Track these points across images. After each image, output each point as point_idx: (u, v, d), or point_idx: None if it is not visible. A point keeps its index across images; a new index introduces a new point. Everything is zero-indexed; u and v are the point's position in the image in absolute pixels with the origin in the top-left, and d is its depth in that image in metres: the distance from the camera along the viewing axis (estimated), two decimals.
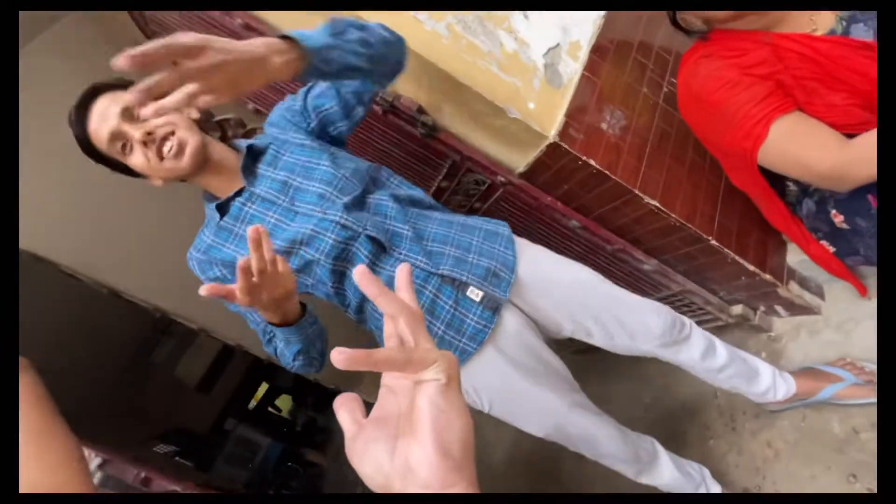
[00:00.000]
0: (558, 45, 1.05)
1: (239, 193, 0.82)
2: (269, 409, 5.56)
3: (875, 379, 0.95)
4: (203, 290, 0.55)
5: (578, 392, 0.90)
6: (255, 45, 0.57)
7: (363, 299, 0.82)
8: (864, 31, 0.81)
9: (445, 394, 0.29)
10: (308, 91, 0.88)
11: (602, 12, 1.12)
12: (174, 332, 3.81)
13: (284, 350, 0.82)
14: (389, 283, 0.77)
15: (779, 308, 1.16)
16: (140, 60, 0.45)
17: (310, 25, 0.69)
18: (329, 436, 4.77)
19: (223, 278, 0.83)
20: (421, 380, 0.30)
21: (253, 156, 0.84)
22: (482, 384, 0.83)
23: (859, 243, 0.91)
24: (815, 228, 1.01)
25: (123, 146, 0.74)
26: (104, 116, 0.73)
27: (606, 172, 0.98)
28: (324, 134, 0.90)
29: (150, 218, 1.88)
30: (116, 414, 3.05)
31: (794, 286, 1.10)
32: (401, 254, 0.80)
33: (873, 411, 0.93)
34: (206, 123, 1.51)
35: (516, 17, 1.03)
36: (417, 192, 0.91)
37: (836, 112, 0.80)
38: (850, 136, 0.81)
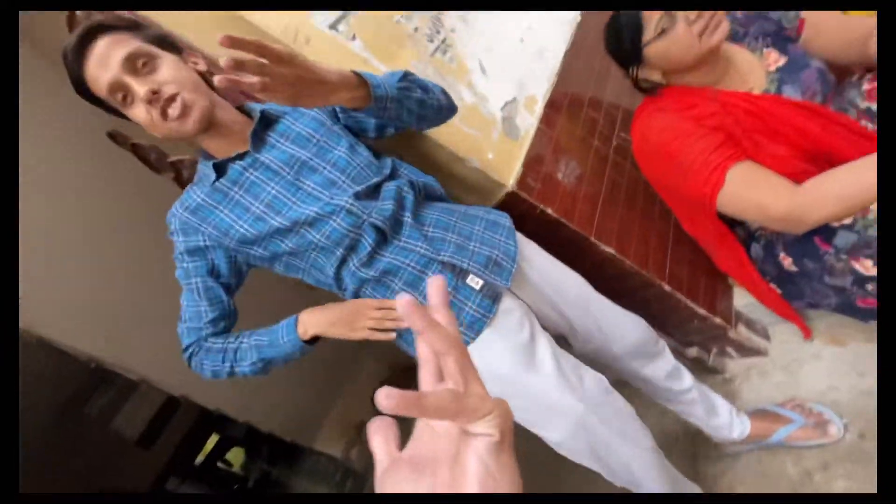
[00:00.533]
0: (515, 99, 1.10)
1: (241, 157, 0.80)
2: (219, 463, 5.11)
3: (822, 420, 0.98)
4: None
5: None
6: (331, 72, 0.63)
7: (361, 286, 0.80)
8: (793, 91, 0.90)
9: (497, 454, 0.26)
10: (353, 113, 0.85)
11: (555, 69, 1.19)
12: (111, 383, 3.50)
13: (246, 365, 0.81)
14: (389, 271, 0.79)
15: (730, 350, 1.20)
16: (238, 42, 0.51)
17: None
18: (285, 491, 4.42)
19: (204, 249, 0.79)
20: (471, 432, 0.26)
21: (265, 123, 0.82)
22: (482, 372, 0.78)
23: (806, 286, 0.96)
24: (762, 272, 1.07)
25: (124, 97, 0.71)
26: (104, 63, 0.69)
27: (563, 220, 1.00)
28: (348, 127, 0.89)
29: (83, 259, 1.75)
30: (43, 473, 2.71)
31: (742, 329, 1.15)
32: (401, 240, 0.79)
33: (824, 453, 0.96)
34: (160, 163, 1.45)
35: (476, 72, 1.07)
36: (430, 180, 0.91)
37: (780, 162, 0.87)
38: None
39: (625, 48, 0.92)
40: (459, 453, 0.26)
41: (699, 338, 1.20)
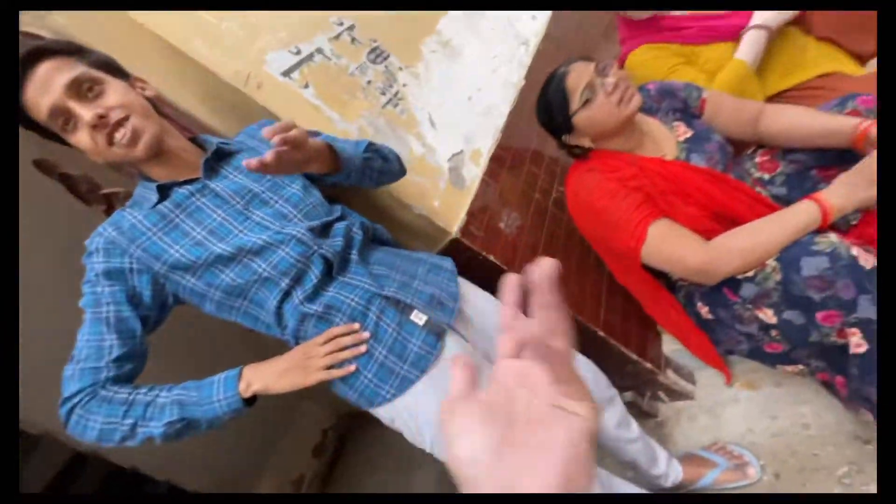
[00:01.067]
0: (462, 151, 1.16)
1: (189, 182, 0.77)
2: None
3: (742, 461, 1.04)
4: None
5: None
6: (319, 145, 0.71)
7: (302, 321, 0.77)
8: (699, 159, 1.03)
9: (587, 441, 0.25)
10: None
11: (500, 126, 1.28)
12: None
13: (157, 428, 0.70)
14: (332, 305, 0.78)
15: (661, 394, 1.26)
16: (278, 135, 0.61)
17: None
18: None
19: (126, 273, 0.72)
20: (567, 409, 0.26)
21: (218, 156, 0.81)
22: (425, 417, 0.76)
23: (722, 333, 1.05)
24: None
25: (66, 122, 0.68)
26: (46, 87, 0.66)
27: (504, 268, 1.05)
28: None
29: None
30: None
31: (671, 373, 1.22)
32: (346, 276, 0.80)
33: (748, 492, 1.01)
34: (91, 195, 1.38)
35: (425, 124, 1.13)
36: (380, 228, 0.94)
37: (691, 221, 0.97)
38: None
39: (556, 119, 1.03)
40: (547, 423, 0.26)
41: (632, 382, 1.25)
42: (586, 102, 0.98)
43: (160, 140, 0.74)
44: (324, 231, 0.82)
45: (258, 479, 3.34)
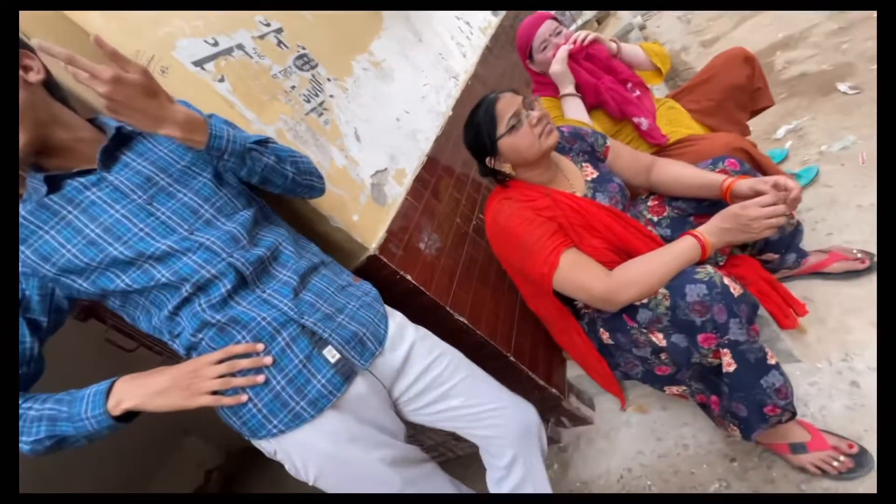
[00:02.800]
0: (386, 169, 1.15)
1: (83, 173, 0.69)
2: None
3: None
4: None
5: (418, 464, 0.83)
6: (177, 108, 0.66)
7: (199, 330, 0.71)
8: (603, 198, 1.13)
9: None
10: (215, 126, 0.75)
11: (426, 150, 1.30)
12: None
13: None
14: (239, 320, 0.70)
15: (564, 420, 1.31)
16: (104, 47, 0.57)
17: None
18: None
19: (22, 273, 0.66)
20: None
21: (119, 140, 0.73)
22: (312, 454, 0.72)
23: (620, 357, 1.13)
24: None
25: None
26: None
27: (422, 288, 1.03)
28: None
29: None
30: None
31: (573, 399, 1.28)
32: (265, 292, 0.73)
33: None
34: None
35: (349, 137, 1.11)
36: (314, 247, 0.87)
37: (596, 252, 1.05)
38: None
39: (482, 141, 1.07)
40: None
41: (538, 407, 1.28)
42: (512, 129, 1.04)
43: (39, 140, 0.66)
44: (247, 235, 0.75)
45: None
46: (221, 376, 0.68)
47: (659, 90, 2.07)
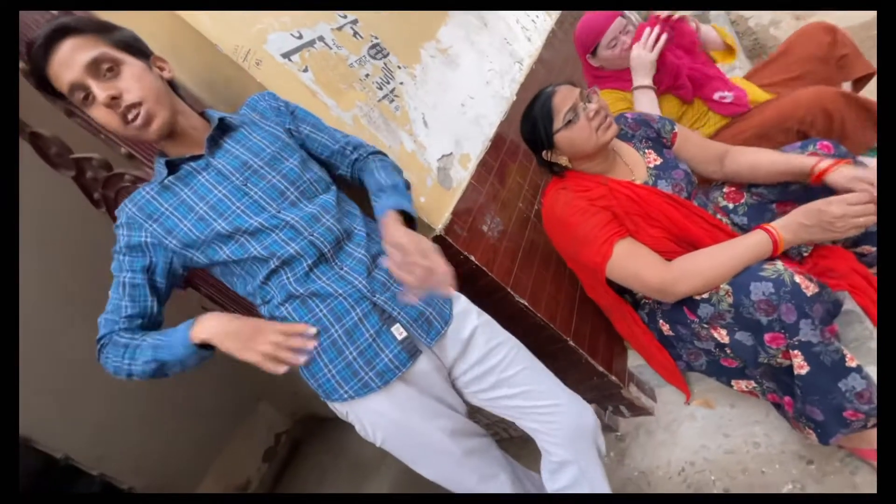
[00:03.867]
0: (451, 153, 1.18)
1: (194, 158, 0.82)
2: None
3: None
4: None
5: (476, 437, 0.89)
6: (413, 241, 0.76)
7: (285, 300, 0.80)
8: (666, 185, 1.09)
9: None
10: (302, 123, 0.91)
11: (490, 135, 1.32)
12: None
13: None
14: (319, 294, 0.80)
15: (623, 408, 1.30)
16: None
17: None
18: None
19: (144, 246, 0.79)
20: None
21: (222, 129, 0.85)
22: (378, 420, 0.81)
23: (682, 349, 1.10)
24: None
25: (85, 97, 0.73)
26: (68, 64, 0.71)
27: (484, 269, 1.06)
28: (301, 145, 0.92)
29: None
30: None
31: (633, 388, 1.25)
32: (342, 269, 0.81)
33: None
34: (60, 159, 1.32)
35: (418, 123, 1.15)
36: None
37: (654, 242, 1.03)
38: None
39: (539, 135, 1.08)
40: None
41: (596, 395, 1.28)
42: (568, 123, 1.04)
43: (172, 123, 0.80)
44: (326, 218, 0.82)
45: (199, 480, 3.17)
46: (276, 345, 0.74)
47: (734, 70, 1.93)
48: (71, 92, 0.73)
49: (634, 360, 1.30)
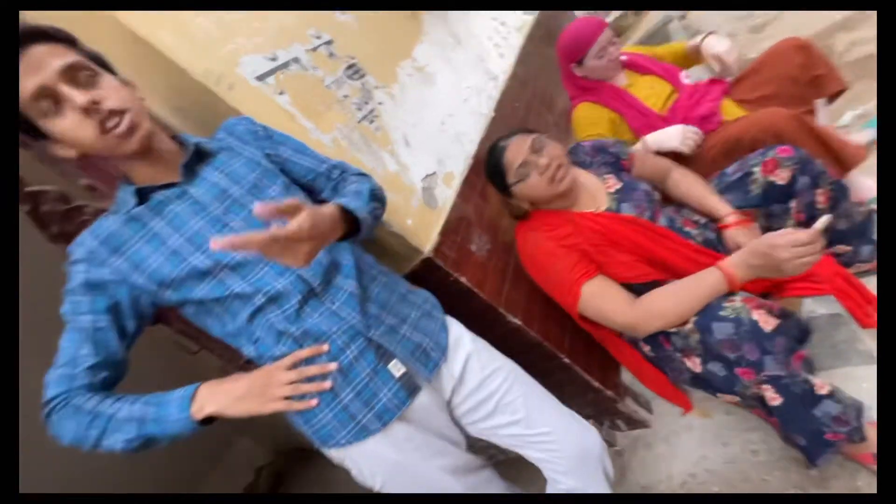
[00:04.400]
0: (435, 172, 1.16)
1: (168, 186, 0.75)
2: None
3: None
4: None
5: (477, 471, 0.85)
6: (326, 222, 0.66)
7: (277, 341, 0.74)
8: (629, 207, 1.10)
9: None
10: (281, 147, 0.85)
11: (472, 152, 1.30)
12: None
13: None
14: (311, 333, 0.73)
15: (619, 422, 1.28)
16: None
17: None
18: None
19: (106, 284, 0.70)
20: None
21: (198, 155, 0.78)
22: (377, 465, 0.75)
23: (665, 366, 1.09)
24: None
25: (54, 103, 0.63)
26: (38, 67, 0.61)
27: (475, 290, 1.03)
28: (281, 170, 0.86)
29: None
30: None
31: (629, 401, 1.24)
32: (334, 304, 0.75)
33: None
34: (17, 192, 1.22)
35: (399, 143, 1.13)
36: (370, 258, 0.89)
37: (627, 268, 1.04)
38: (643, 285, 1.02)
39: (497, 185, 1.12)
40: None
41: (592, 410, 1.26)
42: (521, 179, 1.07)
43: (150, 138, 0.72)
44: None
45: None
46: (292, 382, 0.71)
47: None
48: (36, 98, 0.62)
49: (628, 373, 1.29)
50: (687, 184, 1.17)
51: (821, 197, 1.03)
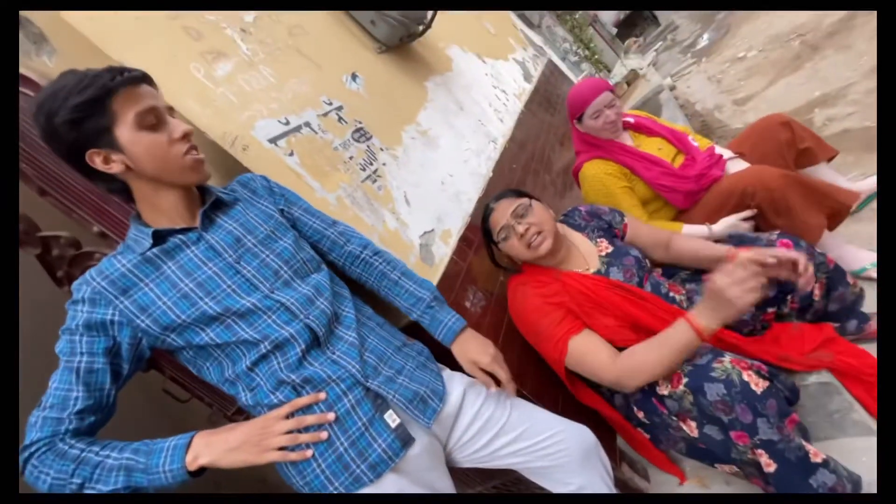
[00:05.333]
0: (433, 230, 1.21)
1: (185, 231, 0.77)
2: None
3: None
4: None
5: None
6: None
7: (276, 388, 0.75)
8: (618, 272, 1.12)
9: None
10: (293, 206, 0.92)
11: (469, 211, 1.36)
12: None
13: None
14: (312, 380, 0.75)
15: (617, 490, 1.23)
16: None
17: None
18: None
19: (109, 325, 0.70)
20: None
21: (216, 204, 0.82)
22: None
23: (660, 434, 1.07)
24: (628, 417, 1.17)
25: (156, 121, 0.72)
26: (154, 96, 0.73)
27: None
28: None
29: None
30: None
31: (625, 468, 1.20)
32: (335, 353, 0.78)
33: None
34: (27, 236, 1.27)
35: (400, 201, 1.18)
36: (369, 309, 0.93)
37: (610, 331, 1.05)
38: (624, 349, 1.02)
39: (487, 239, 1.19)
40: None
41: None
42: (503, 239, 1.13)
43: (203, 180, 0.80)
44: (320, 300, 0.80)
45: None
46: (289, 432, 0.71)
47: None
48: (145, 113, 0.71)
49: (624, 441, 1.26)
50: (690, 243, 1.20)
51: (816, 290, 1.06)
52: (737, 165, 1.46)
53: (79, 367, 0.67)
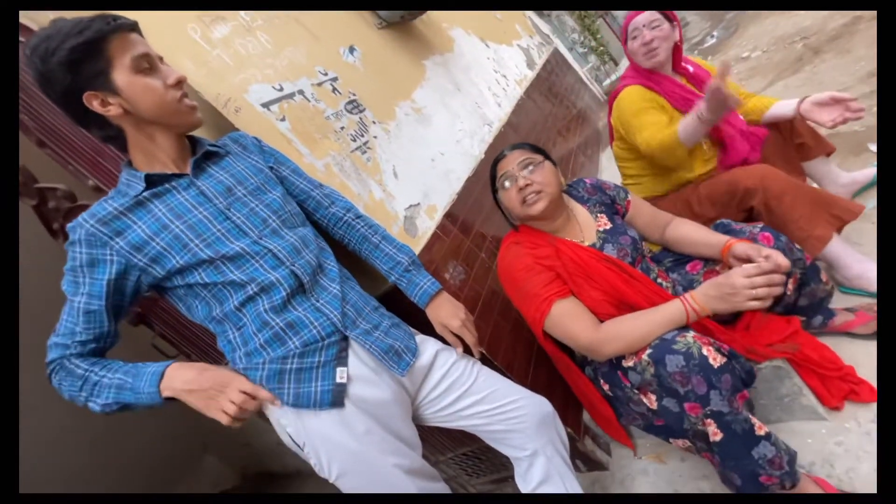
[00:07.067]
0: (419, 203, 1.25)
1: (177, 176, 0.80)
2: None
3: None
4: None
5: (431, 480, 0.88)
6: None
7: (260, 329, 0.79)
8: (612, 249, 1.16)
9: None
10: (282, 165, 0.95)
11: (457, 189, 1.39)
12: None
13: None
14: (294, 324, 0.81)
15: (579, 462, 1.29)
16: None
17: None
18: None
19: (106, 264, 0.74)
20: None
21: (206, 156, 0.85)
22: (334, 451, 0.79)
23: (621, 408, 1.13)
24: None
25: (149, 66, 0.76)
26: (144, 44, 0.77)
27: None
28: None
29: None
30: None
31: (588, 441, 1.26)
32: (319, 301, 0.82)
33: None
34: (25, 188, 1.31)
35: (388, 174, 1.22)
36: (346, 270, 0.97)
37: (594, 304, 1.08)
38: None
39: (491, 185, 1.18)
40: None
41: None
42: (502, 187, 1.13)
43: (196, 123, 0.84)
44: (306, 250, 0.85)
45: None
46: (241, 405, 0.75)
47: None
48: (140, 58, 0.74)
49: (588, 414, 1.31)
50: (687, 227, 1.21)
51: (790, 284, 1.09)
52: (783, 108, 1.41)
53: (79, 306, 0.74)
